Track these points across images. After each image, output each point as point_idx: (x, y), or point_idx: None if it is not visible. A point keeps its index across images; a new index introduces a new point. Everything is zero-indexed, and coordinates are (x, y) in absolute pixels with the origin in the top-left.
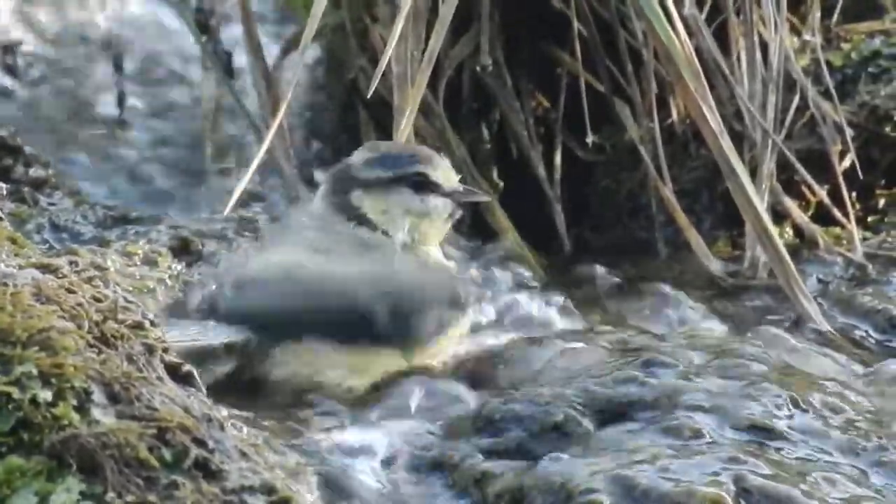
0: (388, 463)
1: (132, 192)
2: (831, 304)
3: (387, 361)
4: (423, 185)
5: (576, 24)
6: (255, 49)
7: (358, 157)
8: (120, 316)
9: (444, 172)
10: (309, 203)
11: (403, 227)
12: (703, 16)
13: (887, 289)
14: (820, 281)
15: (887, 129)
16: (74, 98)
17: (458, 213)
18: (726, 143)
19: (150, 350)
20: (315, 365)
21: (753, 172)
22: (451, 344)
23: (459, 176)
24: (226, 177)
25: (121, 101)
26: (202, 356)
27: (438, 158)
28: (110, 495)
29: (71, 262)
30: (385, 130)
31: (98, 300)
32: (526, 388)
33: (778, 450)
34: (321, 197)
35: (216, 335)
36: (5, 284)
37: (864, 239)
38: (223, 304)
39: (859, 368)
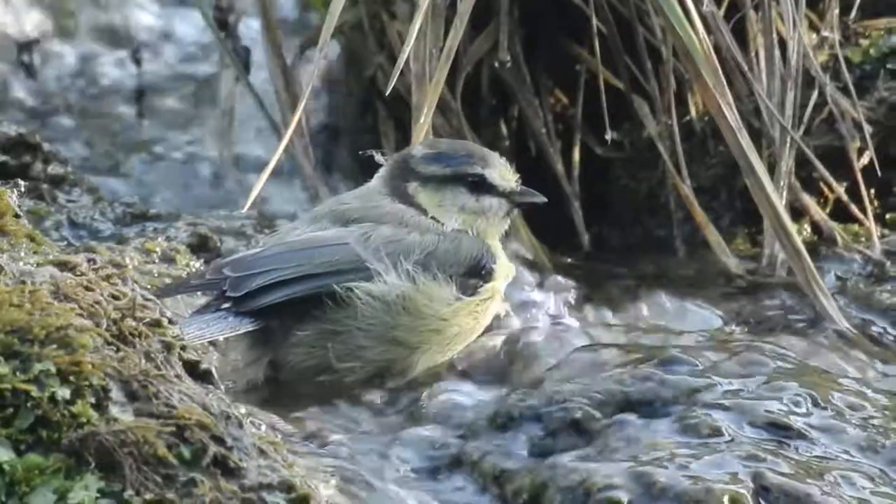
0: (406, 461)
1: (151, 189)
2: (849, 301)
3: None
4: (479, 185)
5: (595, 22)
6: (274, 46)
7: (418, 150)
8: (138, 313)
9: (500, 172)
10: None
11: (457, 221)
12: (722, 13)
13: None
14: (838, 278)
15: None
16: (92, 95)
17: (515, 212)
18: (745, 140)
19: (168, 347)
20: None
21: (772, 169)
22: (499, 292)
23: (517, 176)
24: (244, 174)
25: (139, 97)
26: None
27: (496, 158)
28: (129, 493)
29: (89, 260)
30: (403, 127)
31: (116, 298)
32: (544, 385)
33: (796, 448)
34: (378, 180)
35: (235, 326)
36: (24, 282)
37: (883, 236)
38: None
39: (878, 365)
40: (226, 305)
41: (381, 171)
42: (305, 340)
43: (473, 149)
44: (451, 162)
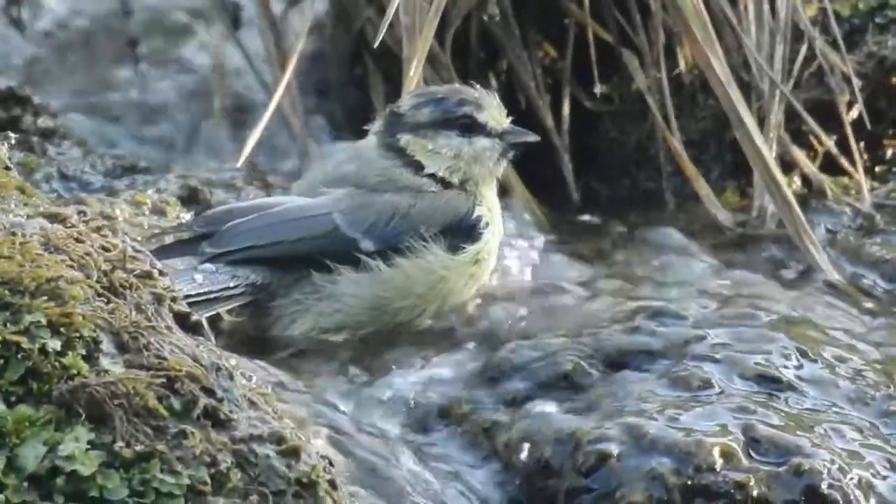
0: (397, 413)
1: (141, 141)
2: (839, 254)
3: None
4: (471, 127)
5: None
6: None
7: (407, 100)
8: (128, 265)
9: (492, 113)
10: (357, 142)
11: (451, 168)
12: None
13: (895, 238)
14: (828, 230)
15: (895, 79)
16: (82, 48)
17: (510, 154)
18: (734, 94)
19: (158, 299)
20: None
21: (761, 122)
22: (492, 251)
23: (509, 118)
24: (234, 126)
25: (131, 47)
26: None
27: (488, 99)
28: (119, 444)
29: (79, 212)
30: (392, 81)
31: (106, 249)
32: (535, 337)
33: (786, 400)
34: (373, 136)
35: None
36: (14, 234)
37: (872, 189)
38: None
39: (868, 318)
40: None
41: (374, 127)
42: (290, 305)
43: (464, 91)
44: (441, 105)
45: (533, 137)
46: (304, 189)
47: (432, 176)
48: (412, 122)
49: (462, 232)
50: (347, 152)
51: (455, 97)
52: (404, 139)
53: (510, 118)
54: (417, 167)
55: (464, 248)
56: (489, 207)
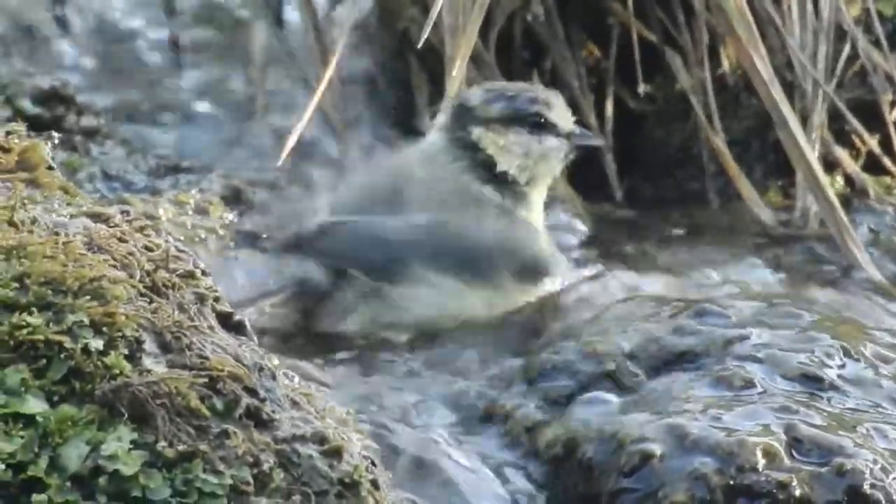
0: (439, 412)
1: (184, 140)
2: (882, 254)
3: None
4: (541, 125)
5: None
6: None
7: (477, 94)
8: (171, 265)
9: (560, 113)
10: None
11: (519, 166)
12: None
13: None
14: (871, 230)
15: None
16: (126, 47)
17: (573, 155)
18: (777, 93)
19: (201, 299)
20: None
21: (804, 122)
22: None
23: (575, 118)
24: (277, 126)
25: (174, 46)
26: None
27: (556, 99)
28: (161, 444)
29: (122, 212)
30: (436, 80)
31: (149, 249)
32: (577, 337)
33: (829, 399)
34: (439, 130)
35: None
36: (57, 234)
37: None
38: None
39: None
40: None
41: (440, 123)
42: (349, 298)
43: (535, 89)
44: (512, 103)
45: (599, 141)
46: (371, 193)
47: (503, 175)
48: (483, 116)
49: (530, 274)
50: (416, 153)
51: (526, 94)
52: (476, 132)
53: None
54: (487, 165)
55: (531, 286)
56: (536, 220)
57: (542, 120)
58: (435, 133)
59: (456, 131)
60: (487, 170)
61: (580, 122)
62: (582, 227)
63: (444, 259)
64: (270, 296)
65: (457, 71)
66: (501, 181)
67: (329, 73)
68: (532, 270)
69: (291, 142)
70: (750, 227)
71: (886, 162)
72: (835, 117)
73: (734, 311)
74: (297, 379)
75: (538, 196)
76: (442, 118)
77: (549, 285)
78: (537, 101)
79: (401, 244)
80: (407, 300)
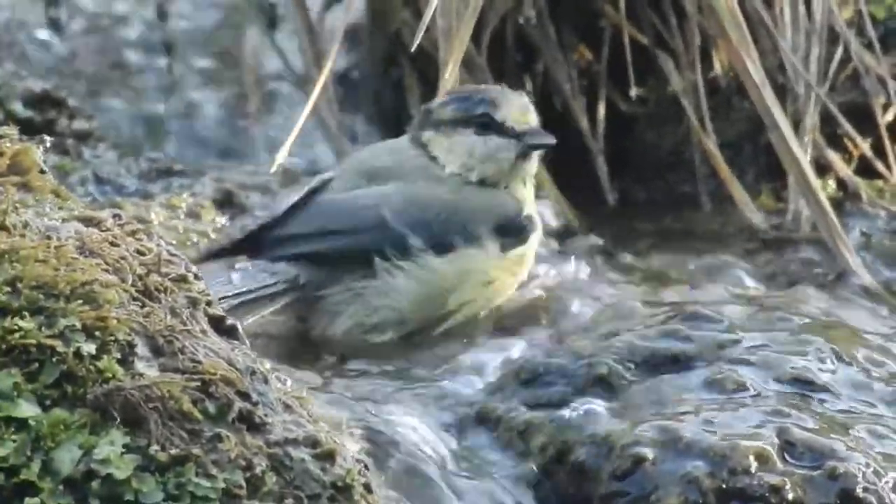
0: (432, 415)
1: (176, 144)
2: (874, 257)
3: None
4: (487, 126)
5: None
6: (299, 1)
7: (438, 98)
8: (163, 269)
9: (514, 113)
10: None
11: (466, 167)
12: None
13: None
14: (863, 234)
15: None
16: (119, 50)
17: (532, 155)
18: (769, 96)
19: (193, 303)
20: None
21: (796, 125)
22: (533, 250)
23: (537, 119)
24: (269, 129)
25: (165, 52)
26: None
27: (511, 98)
28: (154, 448)
29: (114, 215)
30: (428, 83)
31: (141, 253)
32: (569, 341)
33: (821, 402)
34: (408, 133)
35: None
36: (49, 238)
37: None
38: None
39: None
40: (252, 262)
41: (411, 124)
42: (333, 302)
43: (489, 90)
44: (461, 104)
45: (551, 140)
46: (341, 181)
47: (453, 175)
48: (436, 120)
49: (511, 232)
50: (383, 147)
51: (477, 96)
52: (426, 135)
53: (540, 119)
54: (438, 163)
55: (513, 247)
56: (529, 210)
57: (489, 120)
58: (406, 134)
59: (414, 132)
60: (436, 160)
61: (549, 122)
62: (573, 231)
63: (421, 226)
64: (267, 299)
65: (449, 73)
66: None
67: (324, 75)
68: (512, 228)
69: (287, 145)
70: (742, 230)
71: (878, 165)
72: (827, 120)
73: (726, 314)
74: (289, 382)
75: (518, 193)
76: (412, 122)
77: (533, 242)
78: (485, 102)
79: (376, 211)
80: (395, 283)
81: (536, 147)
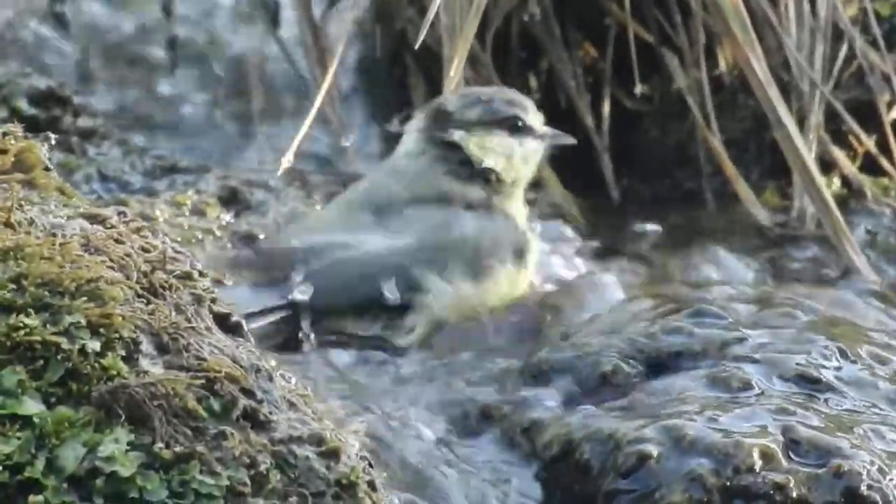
0: (437, 413)
1: (181, 141)
2: (879, 255)
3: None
4: (520, 128)
5: None
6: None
7: (452, 98)
8: (168, 266)
9: (534, 116)
10: (401, 148)
11: (505, 168)
12: None
13: None
14: (868, 231)
15: None
16: (123, 47)
17: (545, 154)
18: (774, 94)
19: (198, 300)
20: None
21: (801, 122)
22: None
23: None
24: (273, 126)
25: (171, 47)
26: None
27: (529, 102)
28: (158, 445)
29: (119, 213)
30: (433, 81)
31: (146, 250)
32: (574, 338)
33: (826, 401)
34: (415, 132)
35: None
36: (54, 235)
37: None
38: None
39: None
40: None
41: (415, 126)
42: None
43: (507, 93)
44: (489, 106)
45: (571, 140)
46: (347, 209)
47: (483, 174)
48: (461, 121)
49: (519, 257)
50: (385, 167)
51: (500, 98)
52: (458, 134)
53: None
54: (467, 164)
55: (518, 268)
56: (524, 224)
57: (521, 123)
58: (411, 136)
59: (433, 132)
60: (468, 167)
61: (554, 120)
62: (578, 228)
63: (442, 267)
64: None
65: (454, 71)
66: (483, 178)
67: (329, 74)
68: (518, 252)
69: (294, 146)
70: (746, 227)
71: (884, 163)
72: (832, 118)
73: (731, 312)
74: (293, 380)
75: (519, 194)
76: (416, 124)
77: (532, 262)
78: (514, 104)
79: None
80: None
81: (559, 147)
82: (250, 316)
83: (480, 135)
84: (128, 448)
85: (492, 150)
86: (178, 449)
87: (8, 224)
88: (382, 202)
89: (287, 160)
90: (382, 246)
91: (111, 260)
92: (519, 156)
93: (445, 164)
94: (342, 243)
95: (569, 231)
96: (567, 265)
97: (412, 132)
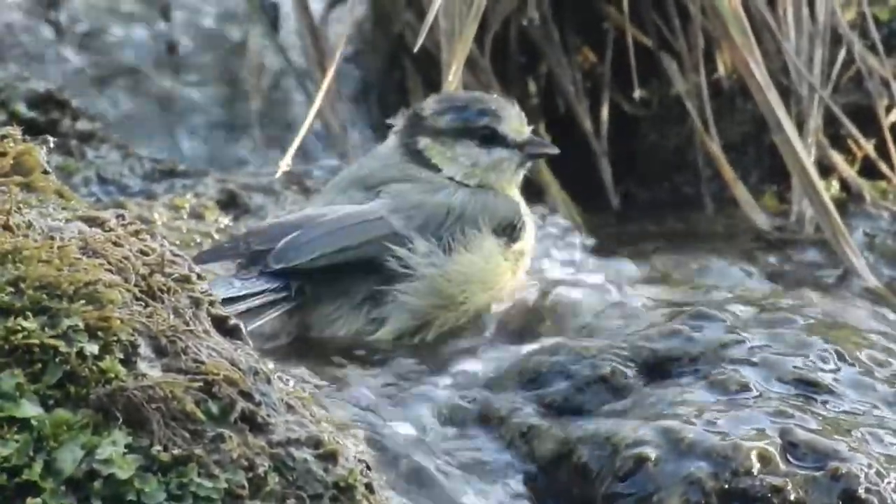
0: (434, 416)
1: (179, 145)
2: (877, 258)
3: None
4: (490, 138)
5: None
6: (301, 2)
7: (429, 104)
8: (167, 269)
9: (512, 124)
10: (378, 145)
11: (469, 176)
12: None
13: None
14: (866, 235)
15: None
16: (121, 50)
17: (529, 164)
18: (773, 98)
19: (196, 303)
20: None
21: (800, 127)
22: (529, 253)
23: (530, 127)
24: (272, 130)
25: (168, 53)
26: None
27: (509, 109)
28: (156, 448)
29: (118, 216)
30: (431, 85)
31: (145, 253)
32: (573, 341)
33: (824, 403)
34: (393, 137)
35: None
36: (52, 238)
37: None
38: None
39: None
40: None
41: (396, 128)
42: (340, 306)
43: (486, 100)
44: (462, 114)
45: (553, 149)
46: (332, 194)
47: (450, 179)
48: (432, 127)
49: (510, 231)
50: (373, 155)
51: (476, 106)
52: (423, 142)
53: (531, 126)
54: (435, 170)
55: (512, 244)
56: (523, 210)
57: (492, 132)
58: (391, 138)
59: (405, 138)
60: (435, 171)
61: (553, 124)
62: (577, 232)
63: (427, 230)
64: (270, 305)
65: (452, 75)
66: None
67: (328, 78)
68: (511, 227)
69: (292, 149)
70: (745, 231)
71: (882, 166)
72: (830, 122)
73: (729, 315)
74: (291, 383)
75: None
76: (397, 127)
77: (530, 239)
78: (486, 114)
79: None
80: (404, 286)
81: (538, 157)
82: (230, 300)
83: (448, 143)
84: (126, 451)
85: (455, 159)
86: (176, 451)
87: (6, 227)
88: (367, 183)
89: (285, 163)
90: (368, 206)
91: (109, 263)
92: (485, 165)
93: (416, 164)
94: (327, 211)
95: (568, 234)
96: (566, 268)
97: (392, 135)
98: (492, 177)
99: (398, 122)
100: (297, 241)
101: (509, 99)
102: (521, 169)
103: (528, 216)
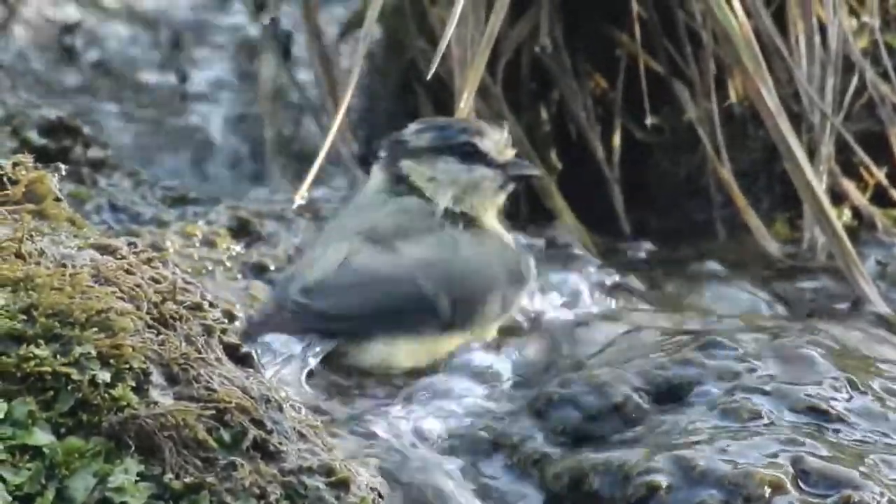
0: (447, 445)
1: (191, 172)
2: (890, 286)
3: (455, 342)
4: (471, 154)
5: (634, 5)
6: (314, 31)
7: (412, 126)
8: (179, 297)
9: (495, 144)
10: (367, 179)
11: (449, 196)
12: None
13: None
14: (878, 263)
15: None
16: (134, 78)
17: (511, 186)
18: (784, 125)
19: (208, 331)
20: (388, 357)
21: (811, 154)
22: (514, 315)
23: (515, 150)
24: (284, 157)
25: (181, 80)
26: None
27: (492, 130)
28: (168, 476)
29: (130, 243)
30: (444, 112)
31: (157, 281)
32: (584, 369)
33: (836, 432)
34: (378, 168)
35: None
36: (64, 266)
37: None
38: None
39: None
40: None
41: (380, 158)
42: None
43: (468, 120)
44: (443, 132)
45: (535, 171)
46: (338, 235)
47: (445, 212)
48: (413, 148)
49: (518, 278)
50: (366, 202)
51: (457, 126)
52: (405, 165)
53: (556, 148)
54: (419, 194)
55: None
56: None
57: (473, 148)
58: (374, 173)
59: (389, 164)
60: (417, 193)
61: (565, 152)
62: (590, 259)
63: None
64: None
65: (464, 102)
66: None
67: (342, 108)
68: (519, 274)
69: (308, 181)
70: (757, 259)
71: (894, 194)
72: (842, 149)
73: (741, 343)
74: (303, 411)
75: (487, 221)
76: (381, 156)
77: (532, 286)
78: (468, 131)
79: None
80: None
81: (520, 178)
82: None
83: (429, 161)
84: (138, 479)
85: (436, 177)
86: (188, 479)
87: (19, 255)
88: (374, 234)
89: (301, 196)
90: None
91: (121, 291)
92: (465, 182)
93: (405, 196)
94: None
95: (580, 260)
96: (577, 295)
97: (377, 168)
98: (473, 197)
99: (382, 151)
100: (326, 287)
101: (499, 124)
102: (503, 192)
103: (526, 253)
